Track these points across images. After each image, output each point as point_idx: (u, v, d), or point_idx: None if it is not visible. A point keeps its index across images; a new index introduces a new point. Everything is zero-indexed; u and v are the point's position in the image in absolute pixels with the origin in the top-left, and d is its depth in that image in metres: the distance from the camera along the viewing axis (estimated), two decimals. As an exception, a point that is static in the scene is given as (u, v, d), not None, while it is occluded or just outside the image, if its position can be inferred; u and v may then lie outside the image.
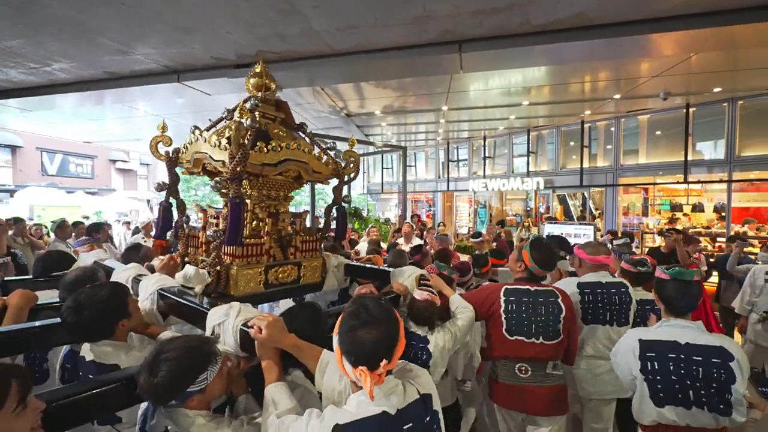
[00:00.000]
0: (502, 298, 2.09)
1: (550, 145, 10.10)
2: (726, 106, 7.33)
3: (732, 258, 4.09)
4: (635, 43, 3.68)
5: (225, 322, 1.38)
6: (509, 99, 7.22)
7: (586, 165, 9.09)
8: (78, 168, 23.71)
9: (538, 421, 2.06)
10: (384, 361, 1.03)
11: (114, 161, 27.36)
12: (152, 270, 2.00)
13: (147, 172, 31.78)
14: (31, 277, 2.44)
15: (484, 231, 6.18)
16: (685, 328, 1.67)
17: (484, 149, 11.10)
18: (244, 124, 1.78)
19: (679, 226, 8.19)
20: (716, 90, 6.68)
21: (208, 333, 1.38)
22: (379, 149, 10.32)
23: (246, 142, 1.75)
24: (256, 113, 1.89)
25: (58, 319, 1.46)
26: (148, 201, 31.26)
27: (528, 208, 12.99)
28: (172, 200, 2.13)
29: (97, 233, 5.09)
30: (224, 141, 1.79)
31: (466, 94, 6.86)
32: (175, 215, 2.17)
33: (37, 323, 1.52)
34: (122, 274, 1.91)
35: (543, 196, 13.03)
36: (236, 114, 1.91)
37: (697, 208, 9.21)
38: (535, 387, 2.04)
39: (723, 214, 8.65)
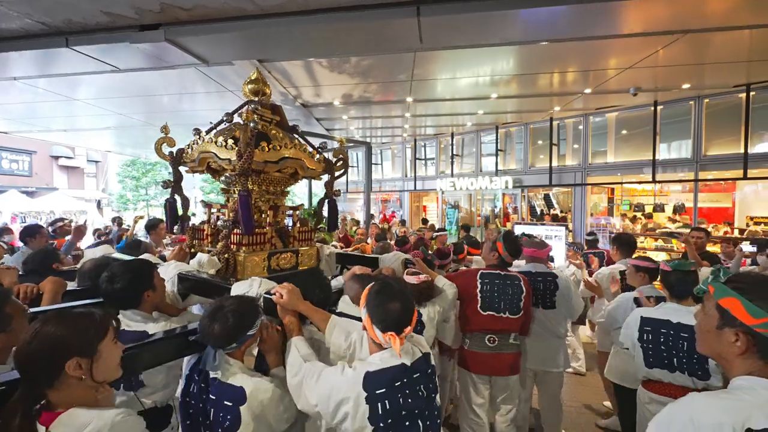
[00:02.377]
0: (479, 281, 2.57)
1: (519, 144, 9.78)
2: (692, 104, 7.21)
3: (735, 262, 3.97)
4: (604, 12, 3.28)
5: (248, 292, 1.66)
6: (477, 91, 6.75)
7: (555, 164, 8.81)
8: (12, 164, 21.50)
9: (499, 381, 2.58)
10: (408, 328, 1.34)
11: (56, 157, 25.05)
12: (164, 260, 2.31)
13: (96, 170, 29.43)
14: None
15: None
16: (678, 311, 2.02)
17: (452, 147, 10.66)
18: (250, 126, 1.96)
19: (673, 227, 8.06)
20: (685, 86, 6.51)
21: None
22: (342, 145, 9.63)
23: (252, 142, 1.96)
24: (255, 116, 2.10)
25: (101, 299, 1.72)
26: (98, 202, 28.97)
27: (496, 209, 12.74)
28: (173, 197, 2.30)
29: (32, 238, 4.20)
30: (230, 141, 2.01)
31: (431, 84, 6.32)
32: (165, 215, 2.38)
33: (88, 301, 1.79)
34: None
35: (511, 196, 12.86)
36: (236, 117, 2.24)
37: (658, 208, 9.20)
38: (500, 354, 2.54)
39: (677, 214, 8.76)
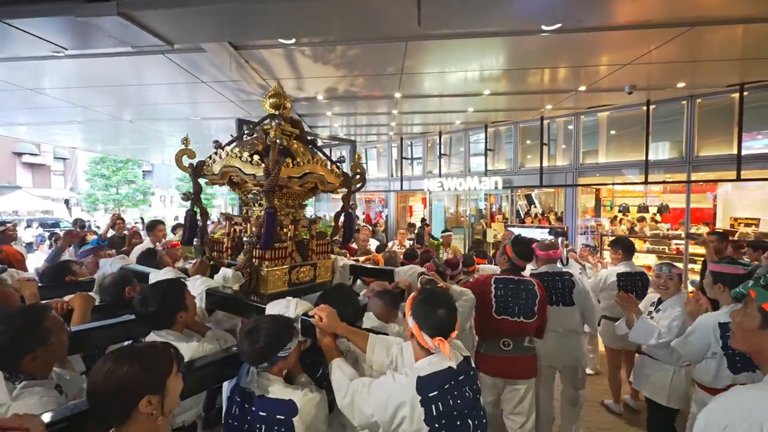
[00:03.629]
0: (493, 286, 2.61)
1: (508, 144, 9.54)
2: (685, 104, 7.09)
3: (765, 268, 3.70)
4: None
5: (285, 313, 1.68)
6: (468, 87, 6.43)
7: (545, 164, 8.60)
8: (-31, 161, 20.15)
9: (516, 384, 2.58)
10: (453, 332, 1.44)
11: (20, 154, 23.59)
12: (185, 272, 2.31)
13: (64, 168, 27.93)
14: None
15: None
16: None
17: (440, 146, 10.34)
18: (278, 143, 2.06)
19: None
20: (680, 85, 6.35)
21: None
22: (326, 142, 9.19)
23: (280, 159, 2.03)
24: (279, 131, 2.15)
25: (133, 316, 1.78)
26: (66, 201, 27.48)
27: (482, 209, 12.54)
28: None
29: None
30: (256, 158, 2.05)
31: (421, 79, 5.96)
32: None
33: (122, 318, 1.84)
34: (166, 276, 2.05)
35: (495, 197, 12.70)
36: (258, 130, 2.33)
37: (642, 209, 9.11)
38: (515, 357, 2.57)
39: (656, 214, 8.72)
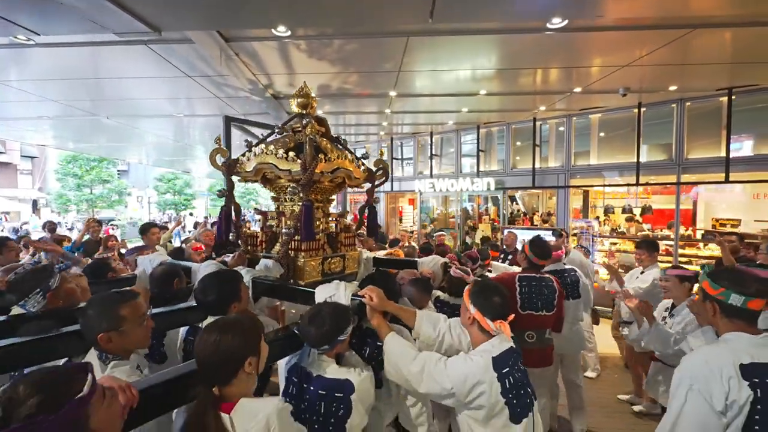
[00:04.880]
0: (518, 284, 2.89)
1: (500, 145, 9.48)
2: (674, 107, 7.18)
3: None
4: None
5: (335, 296, 1.84)
6: (464, 87, 6.30)
7: (537, 165, 8.58)
8: (-74, 159, 18.94)
9: (535, 372, 2.71)
10: (510, 315, 1.67)
11: (-18, 152, 22.25)
12: (225, 264, 2.46)
13: (32, 167, 26.54)
14: None
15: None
16: None
17: (431, 146, 10.21)
18: (314, 140, 2.22)
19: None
20: (672, 88, 6.41)
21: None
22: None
23: (316, 156, 2.18)
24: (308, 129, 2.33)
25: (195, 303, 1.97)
26: (35, 202, 26.09)
27: (470, 210, 12.50)
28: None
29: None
30: (291, 154, 2.21)
31: (418, 77, 5.79)
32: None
33: (183, 305, 2.07)
34: (208, 269, 2.26)
35: (481, 197, 12.69)
36: (287, 129, 2.52)
37: (626, 210, 9.20)
38: (537, 348, 2.87)
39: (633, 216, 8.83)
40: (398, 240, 6.49)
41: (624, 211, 9.22)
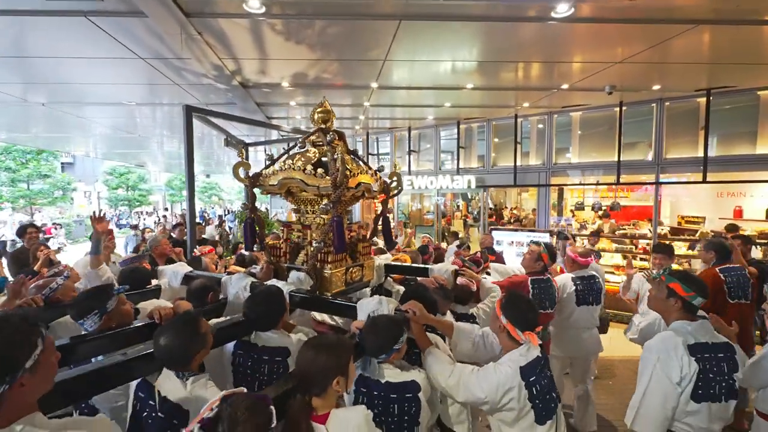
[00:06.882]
0: (530, 286, 3.19)
1: (480, 141, 9.24)
2: (654, 107, 7.19)
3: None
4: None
5: (378, 310, 1.94)
6: (449, 79, 5.92)
7: (518, 163, 8.40)
8: None
9: None
10: (539, 327, 1.80)
11: None
12: (253, 276, 2.58)
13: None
14: None
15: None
16: None
17: (409, 142, 9.81)
18: (342, 157, 2.28)
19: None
20: (655, 87, 6.36)
21: (362, 319, 1.92)
22: (286, 136, 8.25)
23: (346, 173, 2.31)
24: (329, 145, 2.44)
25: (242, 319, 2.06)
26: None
27: (441, 206, 12.26)
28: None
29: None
30: (320, 170, 2.31)
31: (405, 67, 5.33)
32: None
33: (230, 318, 2.15)
34: (242, 282, 2.45)
35: (455, 195, 12.48)
36: (308, 143, 2.64)
37: (596, 207, 9.21)
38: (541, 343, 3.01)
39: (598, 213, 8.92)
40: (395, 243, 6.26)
41: (593, 208, 9.29)
